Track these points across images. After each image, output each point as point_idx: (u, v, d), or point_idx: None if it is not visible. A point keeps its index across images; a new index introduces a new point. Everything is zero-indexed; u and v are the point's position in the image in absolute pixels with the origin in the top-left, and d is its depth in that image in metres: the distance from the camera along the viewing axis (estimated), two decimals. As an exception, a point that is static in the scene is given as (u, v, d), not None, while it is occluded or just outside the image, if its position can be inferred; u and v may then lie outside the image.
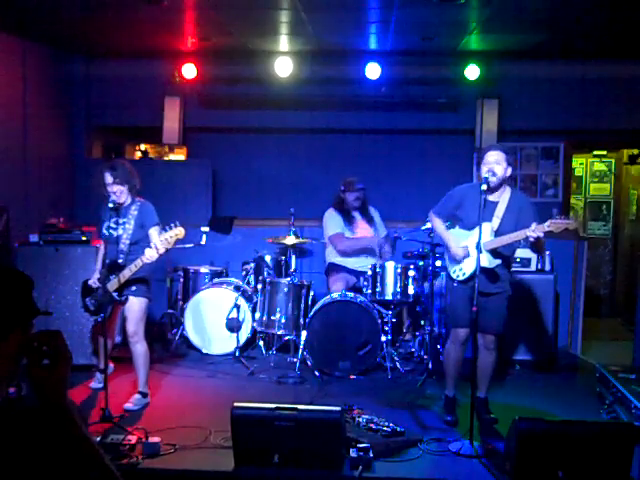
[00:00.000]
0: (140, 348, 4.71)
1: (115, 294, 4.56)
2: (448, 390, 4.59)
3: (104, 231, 4.70)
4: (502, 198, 4.29)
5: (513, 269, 4.72)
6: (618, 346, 6.71)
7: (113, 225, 4.66)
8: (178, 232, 4.31)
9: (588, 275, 7.10)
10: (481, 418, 4.37)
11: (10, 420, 1.52)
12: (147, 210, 4.68)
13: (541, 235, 3.96)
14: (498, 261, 4.25)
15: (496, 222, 4.24)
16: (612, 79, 7.21)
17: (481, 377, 4.41)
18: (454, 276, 4.44)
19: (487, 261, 4.21)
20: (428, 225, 5.39)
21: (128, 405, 4.62)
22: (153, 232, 4.61)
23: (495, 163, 4.20)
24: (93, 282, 4.76)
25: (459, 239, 4.42)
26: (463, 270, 4.36)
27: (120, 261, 4.58)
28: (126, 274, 4.51)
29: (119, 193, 4.61)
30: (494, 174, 4.16)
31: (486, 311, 4.23)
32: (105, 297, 4.55)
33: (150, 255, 4.36)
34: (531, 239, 4.01)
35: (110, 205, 4.59)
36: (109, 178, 4.58)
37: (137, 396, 4.70)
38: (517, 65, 7.19)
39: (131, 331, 4.68)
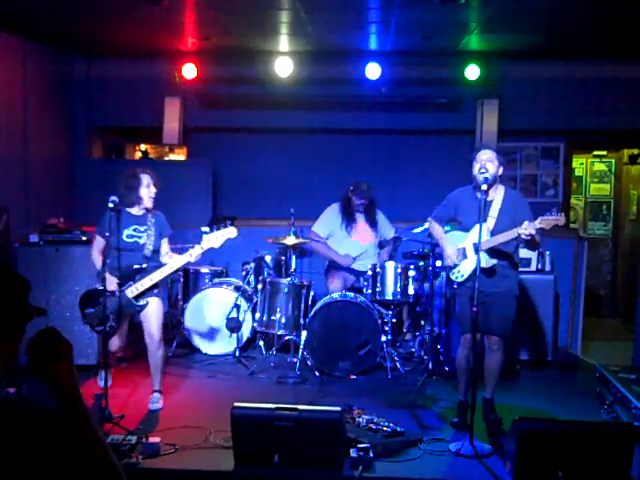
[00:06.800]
0: (162, 352, 4.69)
1: (135, 301, 4.49)
2: (461, 395, 4.56)
3: (124, 239, 4.58)
4: (496, 197, 4.32)
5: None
6: (618, 346, 6.71)
7: (133, 232, 4.62)
8: (230, 231, 4.42)
9: (588, 275, 7.09)
10: (487, 419, 4.38)
11: (16, 420, 1.51)
12: (164, 221, 4.77)
13: (533, 232, 3.94)
14: (494, 261, 4.24)
15: (491, 222, 4.26)
16: (612, 79, 7.21)
17: (487, 378, 4.44)
18: (453, 278, 4.46)
19: (484, 261, 4.20)
20: (426, 226, 5.39)
21: (153, 405, 4.61)
22: (165, 243, 4.73)
23: (488, 161, 4.25)
24: (114, 288, 4.45)
25: (457, 241, 4.45)
26: (461, 272, 4.39)
27: (144, 266, 4.53)
28: (155, 277, 4.50)
29: (154, 195, 4.65)
30: (487, 171, 4.21)
31: (490, 312, 4.24)
32: (125, 305, 4.46)
33: (197, 254, 4.45)
34: (524, 237, 4.00)
35: (140, 212, 4.64)
36: (150, 179, 4.62)
37: (157, 395, 4.70)
38: (517, 65, 7.18)
39: (157, 337, 4.59)
